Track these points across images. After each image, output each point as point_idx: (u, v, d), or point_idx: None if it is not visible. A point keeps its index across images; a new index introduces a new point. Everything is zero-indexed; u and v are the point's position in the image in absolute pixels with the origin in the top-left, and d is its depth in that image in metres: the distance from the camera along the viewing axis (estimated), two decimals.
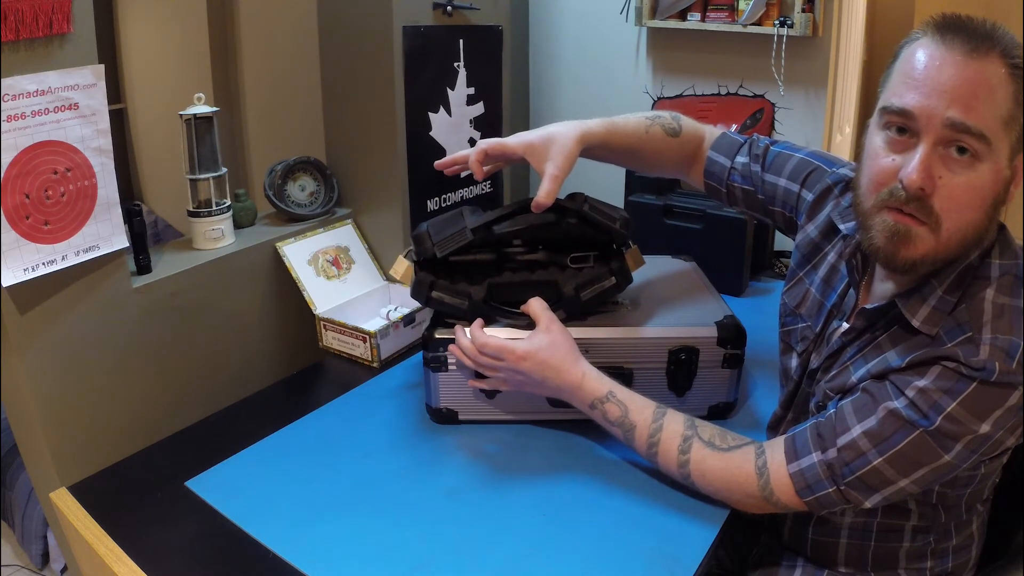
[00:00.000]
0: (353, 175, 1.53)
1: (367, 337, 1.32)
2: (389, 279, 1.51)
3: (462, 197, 1.63)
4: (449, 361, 1.08)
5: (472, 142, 1.62)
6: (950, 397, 0.73)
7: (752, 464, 0.86)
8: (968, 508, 0.90)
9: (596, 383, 0.96)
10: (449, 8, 1.47)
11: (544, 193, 0.95)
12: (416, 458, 1.05)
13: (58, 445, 1.05)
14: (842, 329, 0.89)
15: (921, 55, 0.72)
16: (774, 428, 1.03)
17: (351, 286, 1.46)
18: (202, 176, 1.28)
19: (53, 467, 1.05)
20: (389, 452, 1.06)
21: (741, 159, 1.07)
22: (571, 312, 1.06)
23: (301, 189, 1.49)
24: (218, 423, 1.17)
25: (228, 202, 1.33)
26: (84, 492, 1.02)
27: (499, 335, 1.02)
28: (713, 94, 1.82)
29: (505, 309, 1.06)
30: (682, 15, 1.73)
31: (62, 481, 1.04)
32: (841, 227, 0.93)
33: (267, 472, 1.02)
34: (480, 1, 1.53)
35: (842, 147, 1.76)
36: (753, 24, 1.63)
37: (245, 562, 0.87)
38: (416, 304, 1.31)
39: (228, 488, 0.98)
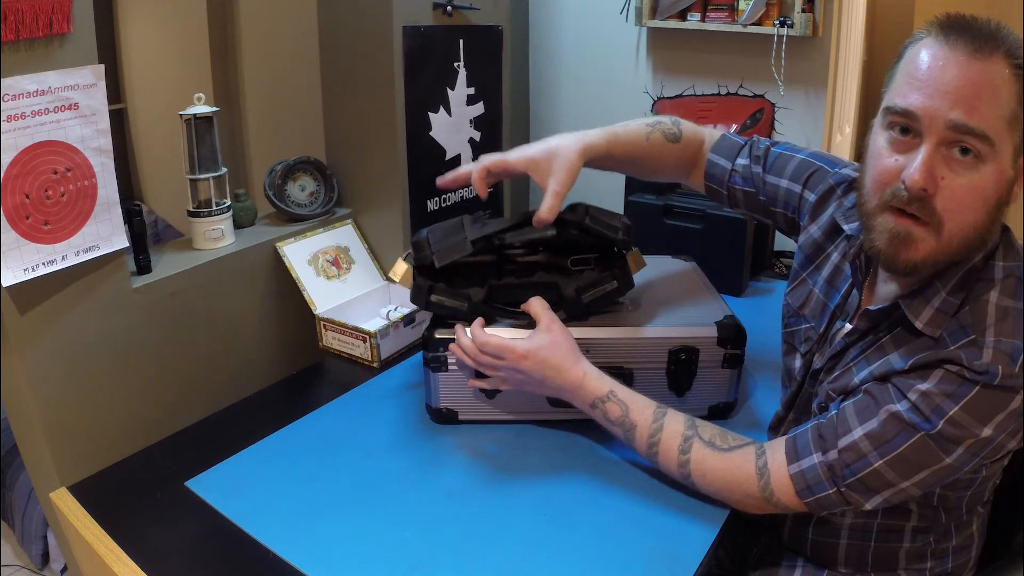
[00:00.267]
0: (353, 175, 1.53)
1: (367, 337, 1.32)
2: (389, 279, 1.51)
3: (462, 197, 1.63)
4: (449, 361, 1.08)
5: (472, 142, 1.62)
6: (952, 401, 0.73)
7: (752, 464, 0.86)
8: (968, 509, 0.90)
9: (597, 382, 0.96)
10: (449, 8, 1.47)
11: (546, 209, 0.95)
12: (416, 458, 1.05)
13: (58, 445, 1.05)
14: (845, 330, 0.89)
15: (925, 55, 0.72)
16: (775, 428, 1.03)
17: (351, 286, 1.46)
18: (202, 176, 1.28)
19: (53, 467, 1.05)
20: (389, 452, 1.06)
21: (742, 161, 1.07)
22: (572, 313, 1.06)
23: (301, 189, 1.49)
24: (218, 423, 1.17)
25: (228, 202, 1.33)
26: (84, 492, 1.02)
27: (500, 334, 1.02)
28: (713, 94, 1.82)
29: (506, 309, 1.06)
30: (682, 15, 1.73)
31: (62, 481, 1.04)
32: (845, 227, 0.93)
33: (267, 472, 1.02)
34: (480, 1, 1.53)
35: (842, 147, 1.76)
36: (753, 24, 1.63)
37: (245, 562, 0.87)
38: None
39: (228, 488, 0.98)
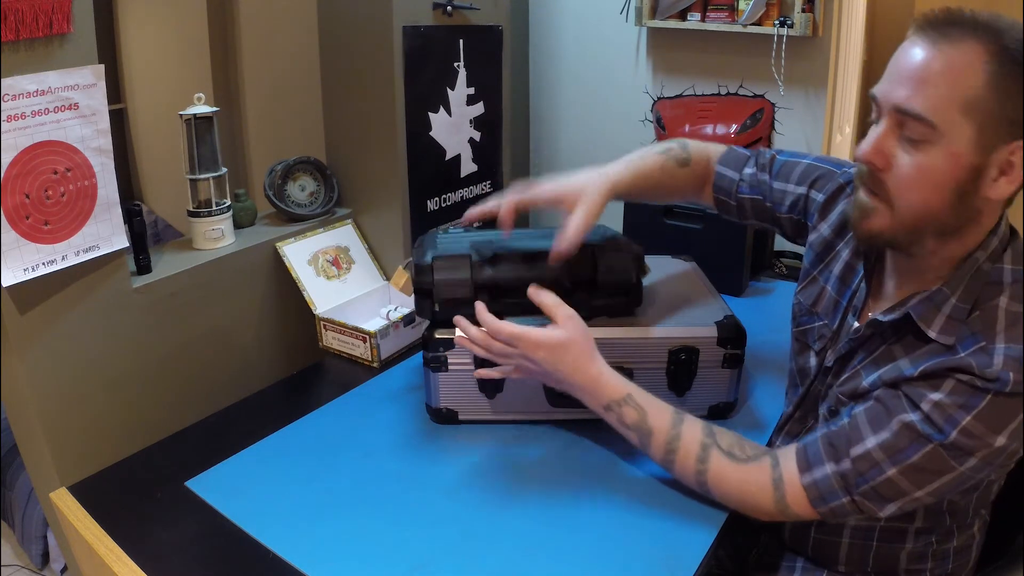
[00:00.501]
0: (353, 175, 1.53)
1: (367, 337, 1.32)
2: (389, 280, 1.51)
3: (462, 197, 1.63)
4: (449, 361, 1.08)
5: (472, 142, 1.62)
6: (965, 411, 0.73)
7: (769, 477, 0.85)
8: (973, 512, 0.90)
9: (614, 383, 0.94)
10: (449, 8, 1.47)
11: (565, 242, 0.95)
12: (416, 458, 1.05)
13: (58, 445, 1.05)
14: (853, 327, 0.90)
15: (901, 47, 0.75)
16: (781, 428, 1.03)
17: (351, 286, 1.46)
18: (202, 176, 1.28)
19: (53, 467, 1.05)
20: (389, 452, 1.06)
21: (748, 170, 1.08)
22: (578, 311, 1.06)
23: (301, 189, 1.50)
24: (218, 423, 1.17)
25: (228, 202, 1.33)
26: (84, 492, 1.02)
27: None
28: (713, 94, 1.82)
29: (516, 303, 1.04)
30: (682, 15, 1.73)
31: (62, 481, 1.04)
32: None
33: (267, 472, 1.02)
34: (480, 1, 1.53)
35: (842, 147, 1.76)
36: (753, 24, 1.64)
37: (245, 562, 0.87)
38: None
39: (228, 488, 0.98)
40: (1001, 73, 0.69)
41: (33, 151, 0.95)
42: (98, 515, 0.96)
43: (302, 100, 1.60)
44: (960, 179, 0.73)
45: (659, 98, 1.91)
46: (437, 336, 1.07)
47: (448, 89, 1.53)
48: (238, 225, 1.39)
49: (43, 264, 0.98)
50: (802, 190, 1.03)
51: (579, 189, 0.98)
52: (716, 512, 0.92)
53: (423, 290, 1.06)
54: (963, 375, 0.73)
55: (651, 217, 1.63)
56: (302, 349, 1.45)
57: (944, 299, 0.78)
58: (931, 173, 0.73)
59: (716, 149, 1.12)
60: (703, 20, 1.70)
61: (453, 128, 1.56)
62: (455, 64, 1.53)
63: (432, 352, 1.07)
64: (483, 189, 1.69)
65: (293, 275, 1.39)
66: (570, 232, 0.95)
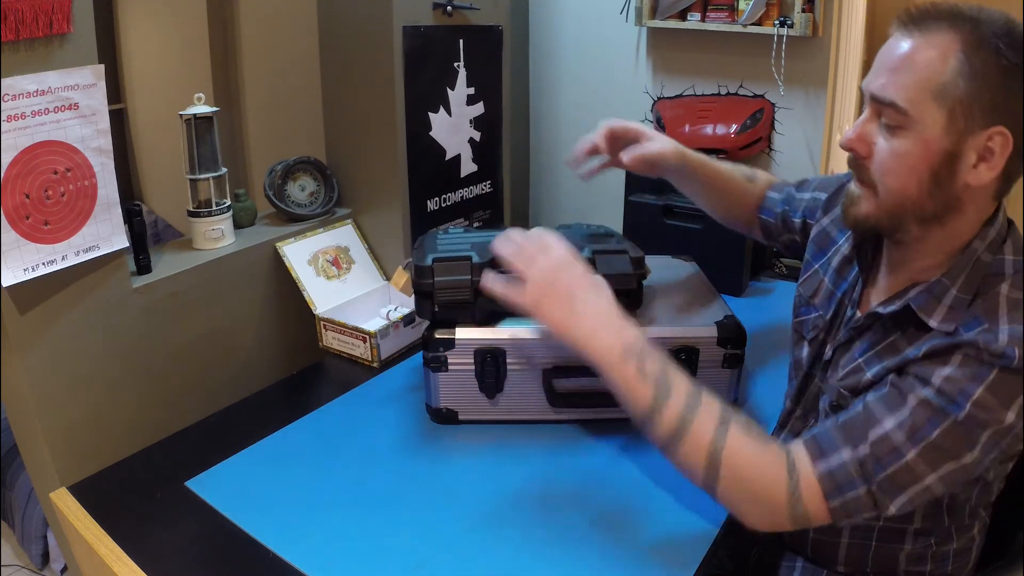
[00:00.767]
0: (353, 175, 1.53)
1: (367, 337, 1.32)
2: (389, 280, 1.51)
3: (462, 197, 1.63)
4: (449, 361, 1.08)
5: (472, 142, 1.62)
6: (976, 383, 0.72)
7: (783, 463, 0.79)
8: (972, 512, 0.90)
9: (637, 330, 0.84)
10: (449, 8, 1.47)
11: (618, 124, 1.09)
12: (416, 458, 1.05)
13: (58, 445, 1.05)
14: (854, 317, 0.90)
15: (886, 42, 0.78)
16: (783, 425, 1.03)
17: (351, 286, 1.46)
18: (202, 176, 1.28)
19: (53, 467, 1.05)
20: (389, 452, 1.06)
21: (788, 190, 1.15)
22: None
23: (301, 189, 1.50)
24: (218, 423, 1.17)
25: (228, 202, 1.33)
26: (84, 492, 1.02)
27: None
28: (713, 94, 1.82)
29: None
30: (682, 15, 1.73)
31: (62, 481, 1.04)
32: None
33: (267, 472, 1.02)
34: (480, 1, 1.54)
35: None
36: (753, 24, 1.64)
37: (245, 562, 0.87)
38: None
39: (228, 488, 0.98)
40: (974, 61, 0.71)
41: (33, 151, 0.95)
42: (98, 515, 0.96)
43: (302, 100, 1.60)
44: (934, 164, 0.74)
45: (659, 98, 1.91)
46: (437, 336, 1.07)
47: (448, 89, 1.53)
48: (238, 225, 1.39)
49: (43, 264, 0.98)
50: (816, 194, 1.08)
51: (661, 135, 1.09)
52: (716, 511, 0.92)
53: (423, 292, 1.07)
54: (970, 349, 0.74)
55: (651, 217, 1.63)
56: (302, 349, 1.45)
57: (944, 290, 0.78)
58: (906, 158, 0.75)
59: (769, 177, 1.22)
60: (703, 20, 1.70)
61: (453, 128, 1.56)
62: (455, 64, 1.53)
63: (432, 352, 1.07)
64: (483, 189, 1.69)
65: (293, 275, 1.39)
66: (610, 125, 1.09)
